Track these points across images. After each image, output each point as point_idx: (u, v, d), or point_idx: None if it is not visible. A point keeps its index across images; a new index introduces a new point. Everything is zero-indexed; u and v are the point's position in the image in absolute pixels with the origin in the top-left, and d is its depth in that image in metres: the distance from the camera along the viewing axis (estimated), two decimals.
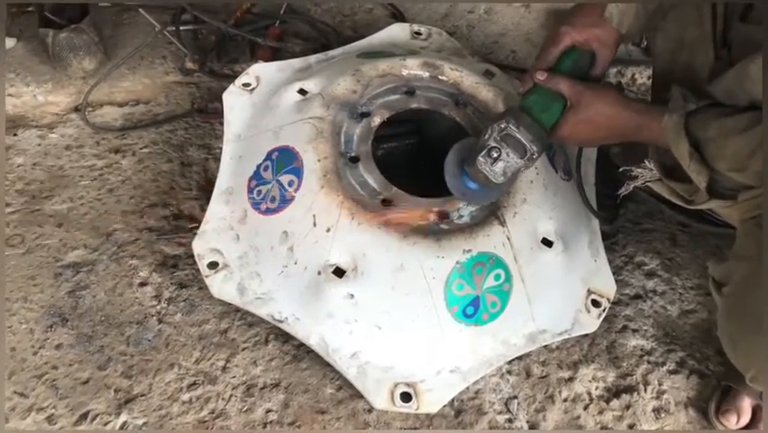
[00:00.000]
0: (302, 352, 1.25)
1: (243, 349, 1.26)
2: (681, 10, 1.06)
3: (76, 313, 1.27)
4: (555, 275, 1.27)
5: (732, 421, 1.23)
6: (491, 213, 1.21)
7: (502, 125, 1.10)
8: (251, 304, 1.21)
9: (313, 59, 1.54)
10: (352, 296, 1.15)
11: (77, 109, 1.61)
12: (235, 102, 1.41)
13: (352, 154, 1.24)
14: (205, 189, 1.47)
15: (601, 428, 1.23)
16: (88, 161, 1.52)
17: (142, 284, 1.32)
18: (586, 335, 1.31)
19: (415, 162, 1.44)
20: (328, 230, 1.16)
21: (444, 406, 1.18)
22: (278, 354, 1.26)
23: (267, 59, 1.63)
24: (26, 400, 1.16)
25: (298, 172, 1.21)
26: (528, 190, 1.25)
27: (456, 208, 1.21)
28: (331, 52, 1.56)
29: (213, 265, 1.23)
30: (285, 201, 1.21)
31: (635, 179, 1.14)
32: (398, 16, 1.87)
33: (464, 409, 1.23)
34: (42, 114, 1.61)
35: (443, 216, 1.19)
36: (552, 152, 1.35)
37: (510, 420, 1.23)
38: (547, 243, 1.25)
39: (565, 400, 1.26)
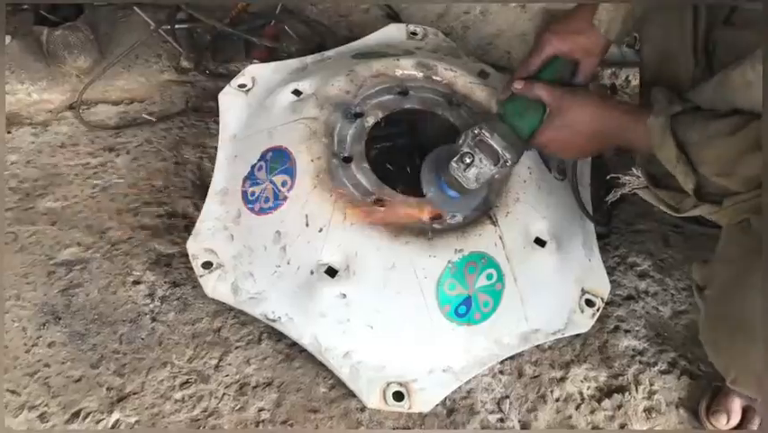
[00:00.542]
0: (295, 351, 1.25)
1: (236, 348, 1.26)
2: (666, 14, 1.04)
3: (69, 311, 1.27)
4: (548, 275, 1.27)
5: (722, 422, 1.23)
6: (483, 213, 1.22)
7: (476, 131, 1.10)
8: (245, 304, 1.21)
9: (309, 59, 1.54)
10: (345, 295, 1.15)
11: (71, 107, 1.61)
12: (231, 103, 1.41)
13: (346, 154, 1.25)
14: (200, 188, 1.47)
15: (593, 428, 1.24)
16: (82, 159, 1.51)
17: (136, 282, 1.32)
18: (578, 335, 1.32)
19: (408, 163, 1.45)
20: (320, 230, 1.16)
21: (437, 405, 1.19)
22: (271, 352, 1.26)
23: (262, 59, 1.63)
24: (18, 397, 1.15)
25: (291, 172, 1.22)
26: (521, 190, 1.26)
27: None
28: (327, 53, 1.56)
29: (207, 265, 1.24)
30: (278, 201, 1.22)
31: (623, 186, 1.12)
32: (394, 17, 1.87)
33: (456, 408, 1.23)
34: (37, 111, 1.61)
35: (436, 215, 1.20)
36: None
37: (502, 420, 1.23)
38: (540, 242, 1.25)
39: (557, 400, 1.26)
